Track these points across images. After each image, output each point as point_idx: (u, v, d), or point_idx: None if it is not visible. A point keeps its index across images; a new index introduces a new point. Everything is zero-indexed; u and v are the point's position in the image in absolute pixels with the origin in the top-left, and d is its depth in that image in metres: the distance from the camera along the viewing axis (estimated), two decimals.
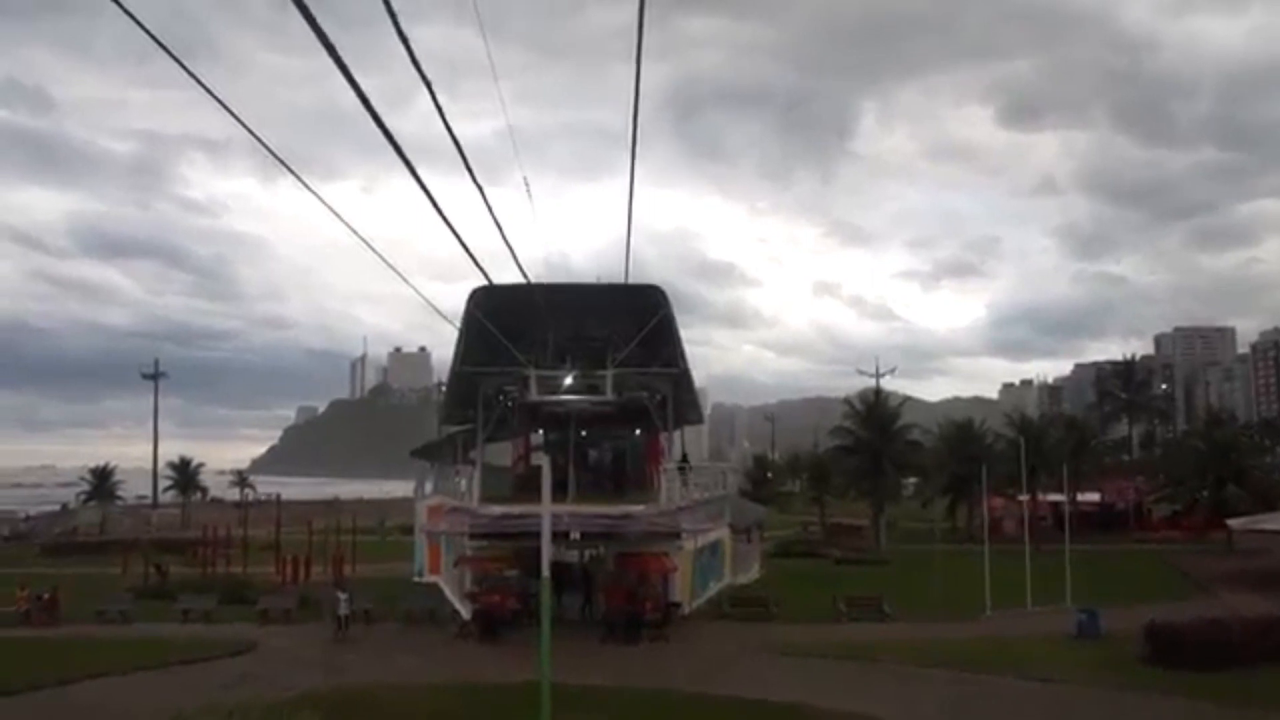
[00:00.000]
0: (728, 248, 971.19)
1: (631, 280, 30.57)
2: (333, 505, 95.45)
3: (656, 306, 34.08)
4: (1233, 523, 51.76)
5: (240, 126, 9.91)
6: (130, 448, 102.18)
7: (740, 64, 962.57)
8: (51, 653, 30.68)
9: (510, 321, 34.06)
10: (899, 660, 28.61)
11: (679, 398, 39.89)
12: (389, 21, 8.04)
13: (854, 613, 36.57)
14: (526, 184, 21.60)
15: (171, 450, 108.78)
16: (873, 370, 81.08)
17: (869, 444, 71.37)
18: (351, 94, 8.43)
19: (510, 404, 40.03)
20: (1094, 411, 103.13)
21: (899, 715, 22.19)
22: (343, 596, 34.47)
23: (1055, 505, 58.90)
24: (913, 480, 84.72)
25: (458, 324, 33.81)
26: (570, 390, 37.22)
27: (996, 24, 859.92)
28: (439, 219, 11.58)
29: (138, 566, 51.61)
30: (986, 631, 33.12)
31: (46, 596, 38.03)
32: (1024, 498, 60.04)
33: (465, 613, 34.99)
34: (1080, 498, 67.85)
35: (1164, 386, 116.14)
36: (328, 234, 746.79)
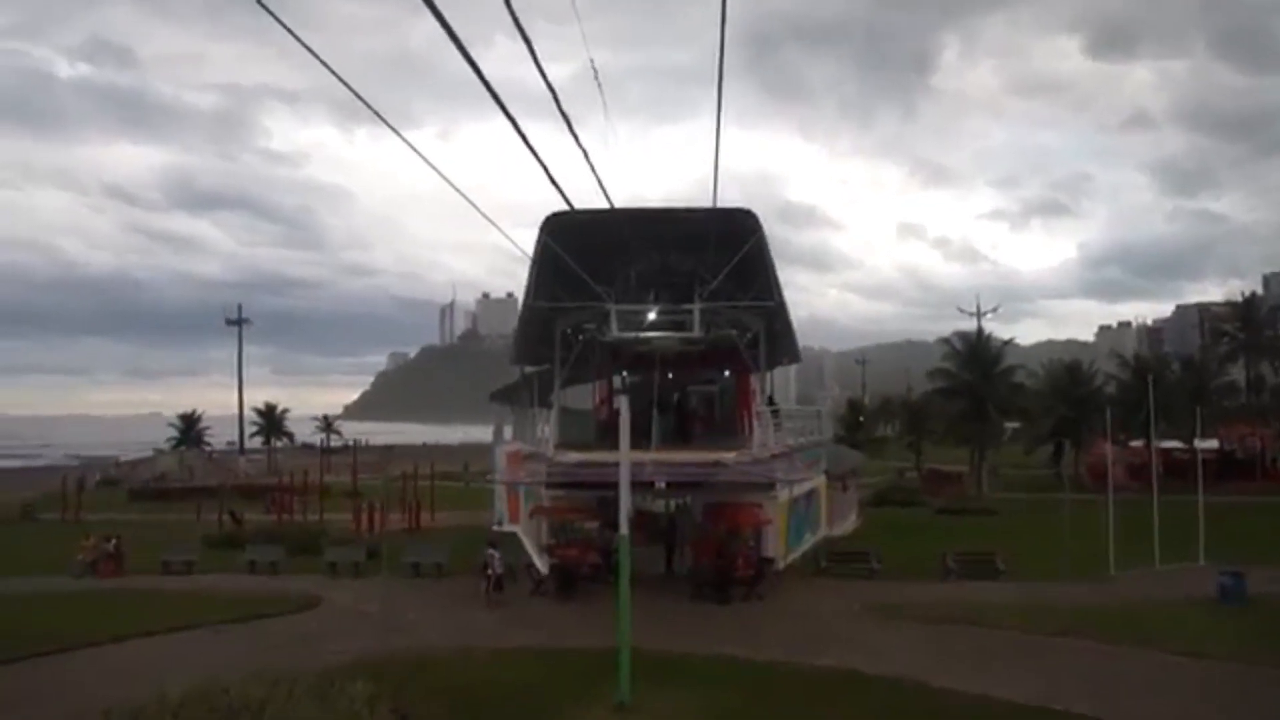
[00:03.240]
0: (809, 189, 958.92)
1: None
2: (422, 450, 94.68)
3: (748, 232, 30.81)
4: None
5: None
6: (229, 395, 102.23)
7: None
8: (109, 606, 29.33)
9: (588, 252, 31.22)
10: (1022, 627, 25.45)
11: (773, 334, 36.70)
12: None
13: (964, 569, 33.48)
14: (597, 78, 18.62)
15: (268, 397, 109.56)
16: (970, 310, 77.07)
17: (970, 386, 67.69)
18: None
19: (590, 343, 37.35)
20: (1209, 352, 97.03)
21: (1035, 697, 19.09)
22: (494, 553, 31.33)
23: (1167, 452, 54.65)
24: (1012, 425, 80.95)
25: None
26: (654, 327, 34.43)
27: None
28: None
29: (214, 514, 50.58)
30: (1115, 594, 29.70)
31: (112, 546, 36.81)
32: (1146, 444, 56.64)
33: (542, 567, 32.70)
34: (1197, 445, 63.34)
35: None
36: (407, 182, 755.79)
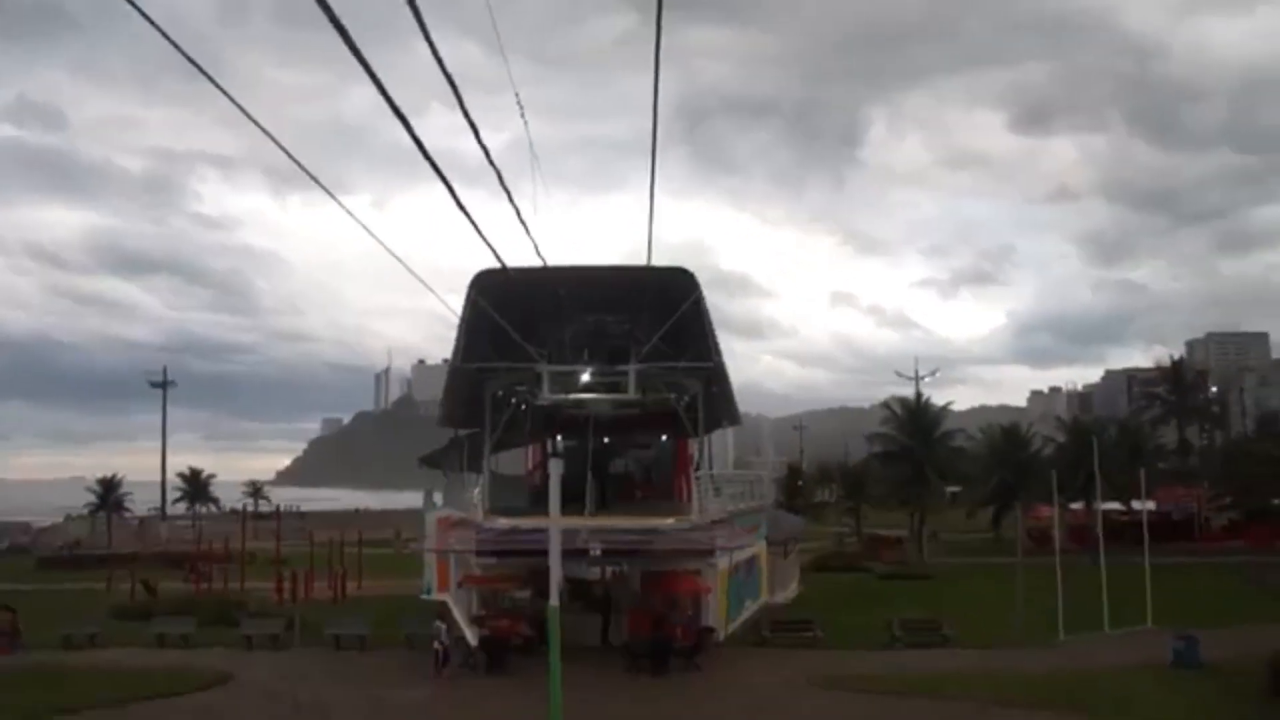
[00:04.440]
0: (742, 258, 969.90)
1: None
2: (356, 517, 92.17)
3: (685, 292, 29.86)
4: None
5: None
6: (157, 459, 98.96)
7: (746, 73, 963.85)
8: None
9: (520, 311, 30.06)
10: (975, 698, 24.36)
11: (711, 397, 35.65)
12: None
13: (910, 637, 32.37)
14: (531, 145, 17.85)
15: (198, 462, 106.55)
16: (908, 374, 77.24)
17: (910, 450, 67.22)
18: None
19: (521, 405, 36.04)
20: (1141, 416, 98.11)
21: None
22: (441, 625, 29.87)
23: (1106, 515, 54.33)
24: (952, 490, 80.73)
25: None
26: (588, 389, 33.26)
27: (1003, 30, 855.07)
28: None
29: (127, 583, 47.99)
30: (1066, 660, 28.72)
31: (7, 618, 34.41)
32: (1085, 506, 56.41)
33: (472, 639, 31.02)
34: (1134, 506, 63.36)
35: (1214, 389, 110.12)
36: (342, 249, 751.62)
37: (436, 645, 28.97)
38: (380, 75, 8.37)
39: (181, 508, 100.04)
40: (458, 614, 34.87)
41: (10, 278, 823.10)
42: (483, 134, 10.63)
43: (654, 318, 31.21)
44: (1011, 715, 22.83)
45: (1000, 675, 26.61)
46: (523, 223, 14.25)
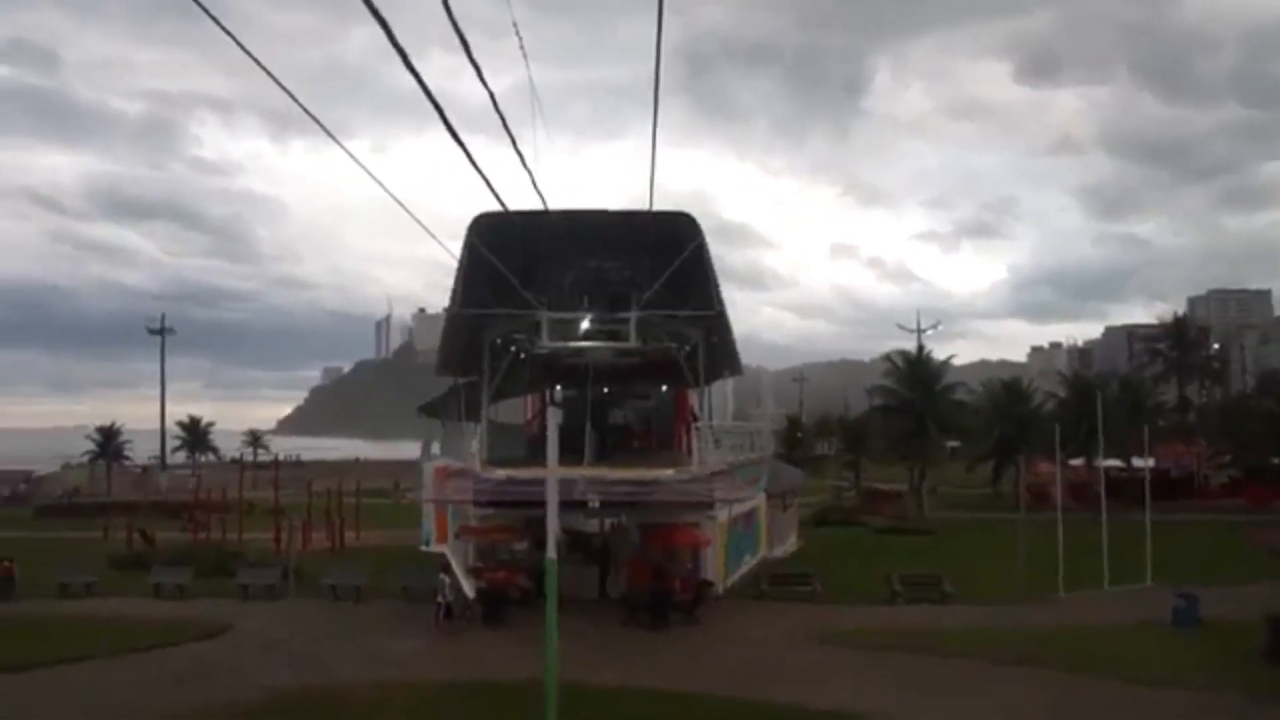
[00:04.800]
0: (743, 208, 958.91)
1: None
2: (355, 466, 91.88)
3: (688, 238, 29.29)
4: None
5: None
6: (156, 408, 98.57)
7: (748, 20, 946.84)
8: None
9: (519, 256, 29.50)
10: (974, 655, 24.12)
11: (712, 346, 35.17)
12: None
13: (910, 593, 32.17)
14: (534, 89, 17.18)
15: (199, 410, 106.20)
16: (909, 327, 76.62)
17: (911, 404, 66.79)
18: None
19: (521, 354, 35.58)
20: (1142, 372, 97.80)
21: None
22: (445, 579, 29.57)
23: (1105, 471, 54.13)
24: (952, 444, 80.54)
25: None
26: (587, 337, 32.80)
27: None
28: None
29: (123, 532, 47.79)
30: (1065, 618, 28.63)
31: (4, 565, 34.26)
32: (1085, 463, 56.20)
33: (469, 590, 30.81)
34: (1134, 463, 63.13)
35: (1216, 346, 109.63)
36: (342, 195, 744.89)
37: (440, 599, 28.75)
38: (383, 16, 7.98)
39: (181, 457, 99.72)
40: (455, 565, 34.65)
41: (8, 223, 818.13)
42: (487, 77, 10.32)
43: (655, 264, 30.67)
44: (1013, 673, 22.58)
45: (1001, 632, 26.47)
46: (524, 164, 13.81)
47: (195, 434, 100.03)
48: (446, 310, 32.54)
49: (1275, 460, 61.58)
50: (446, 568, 30.92)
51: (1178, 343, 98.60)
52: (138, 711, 18.56)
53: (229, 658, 24.83)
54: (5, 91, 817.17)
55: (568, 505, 22.77)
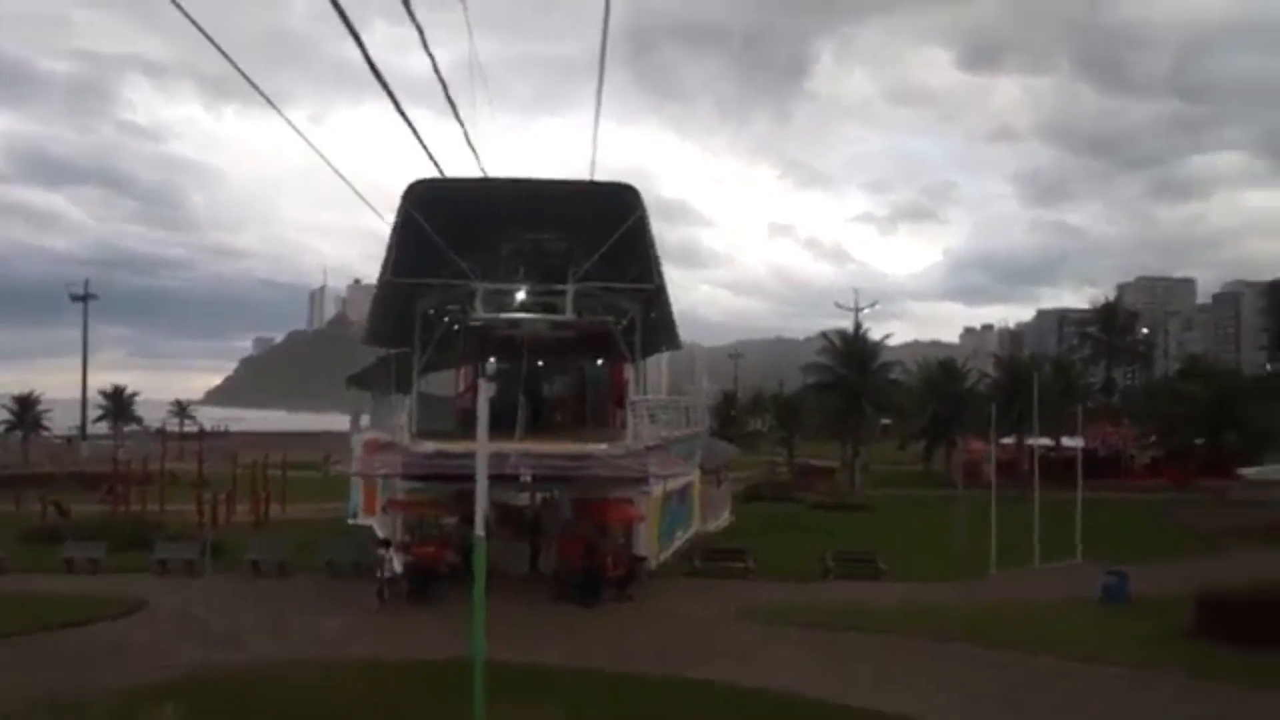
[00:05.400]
0: (682, 186, 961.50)
1: None
2: (283, 439, 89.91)
3: (628, 210, 28.64)
4: (1247, 471, 47.93)
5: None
6: (88, 377, 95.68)
7: None
8: None
9: (455, 225, 28.72)
10: (909, 632, 23.98)
11: (650, 320, 34.63)
12: None
13: (843, 569, 32.03)
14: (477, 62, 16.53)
15: (125, 379, 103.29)
16: (847, 305, 76.66)
17: (846, 381, 67.04)
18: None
19: (454, 325, 34.73)
20: (1073, 355, 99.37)
21: (928, 711, 17.49)
22: (386, 554, 28.70)
23: (1031, 450, 54.85)
24: (884, 421, 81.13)
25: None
26: (523, 309, 32.10)
27: None
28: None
29: (37, 504, 46.15)
30: (998, 594, 28.73)
31: None
32: (1016, 441, 56.74)
33: (396, 565, 30.00)
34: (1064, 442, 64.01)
35: (1144, 331, 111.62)
36: (277, 163, 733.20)
37: (381, 573, 27.97)
38: None
39: (104, 427, 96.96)
40: (381, 539, 33.85)
41: None
42: (424, 49, 10.28)
43: (594, 236, 30.02)
44: (947, 649, 22.42)
45: (932, 609, 26.43)
46: (464, 131, 13.50)
47: (118, 403, 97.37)
48: (378, 279, 31.54)
49: (1197, 442, 62.74)
50: (388, 542, 30.07)
51: (1107, 326, 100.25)
52: (42, 694, 17.56)
53: (143, 636, 23.81)
54: None
55: (499, 479, 22.17)
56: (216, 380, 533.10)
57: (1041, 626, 24.30)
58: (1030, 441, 51.85)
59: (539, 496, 32.81)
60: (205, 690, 18.32)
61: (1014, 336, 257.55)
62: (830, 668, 20.90)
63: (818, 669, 20.70)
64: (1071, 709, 18.57)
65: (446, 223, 28.28)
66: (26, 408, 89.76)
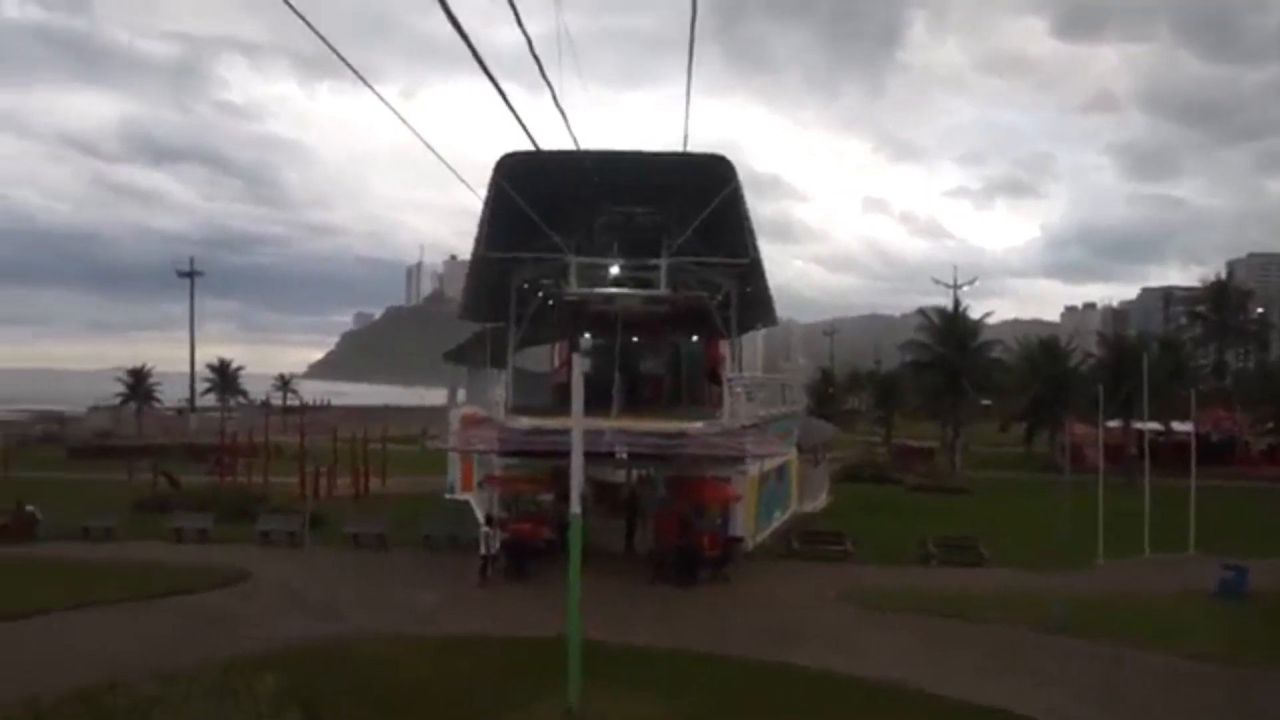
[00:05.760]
0: (773, 160, 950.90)
1: None
2: (384, 412, 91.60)
3: (722, 182, 28.10)
4: None
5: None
6: (196, 351, 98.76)
7: None
8: (7, 577, 26.34)
9: (547, 198, 28.47)
10: (1013, 622, 23.19)
11: (746, 296, 34.06)
12: None
13: (945, 555, 31.26)
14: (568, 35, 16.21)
15: (231, 354, 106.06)
16: (946, 282, 74.94)
17: (945, 360, 65.52)
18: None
19: (548, 300, 34.64)
20: (1182, 335, 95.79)
21: (1037, 709, 16.83)
22: (488, 531, 28.68)
23: (1142, 434, 52.82)
24: (984, 402, 79.17)
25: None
26: (617, 283, 31.80)
27: None
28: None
29: (148, 475, 47.50)
30: (1105, 585, 27.51)
31: (28, 509, 33.97)
32: (1123, 425, 54.79)
33: (495, 544, 30.07)
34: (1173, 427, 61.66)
35: (1259, 311, 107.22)
36: (370, 141, 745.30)
37: (484, 551, 28.00)
38: None
39: (212, 399, 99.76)
40: (479, 515, 34.06)
41: (44, 165, 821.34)
42: (513, 22, 10.04)
43: (688, 208, 29.57)
44: (1050, 642, 21.62)
45: (1038, 599, 25.33)
46: (556, 103, 13.20)
47: (224, 377, 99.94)
48: (472, 254, 31.54)
49: None
50: (490, 520, 30.14)
51: (1218, 306, 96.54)
52: (136, 664, 17.89)
53: (244, 606, 24.28)
54: (37, 32, 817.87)
55: (594, 456, 21.99)
56: (318, 354, 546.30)
57: (1152, 621, 23.21)
58: (1138, 425, 50.19)
59: (635, 474, 32.61)
60: (305, 661, 18.52)
61: (1118, 315, 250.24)
62: (929, 656, 20.34)
63: (916, 657, 20.18)
64: (1180, 710, 17.65)
65: (538, 196, 28.08)
66: (140, 380, 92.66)
